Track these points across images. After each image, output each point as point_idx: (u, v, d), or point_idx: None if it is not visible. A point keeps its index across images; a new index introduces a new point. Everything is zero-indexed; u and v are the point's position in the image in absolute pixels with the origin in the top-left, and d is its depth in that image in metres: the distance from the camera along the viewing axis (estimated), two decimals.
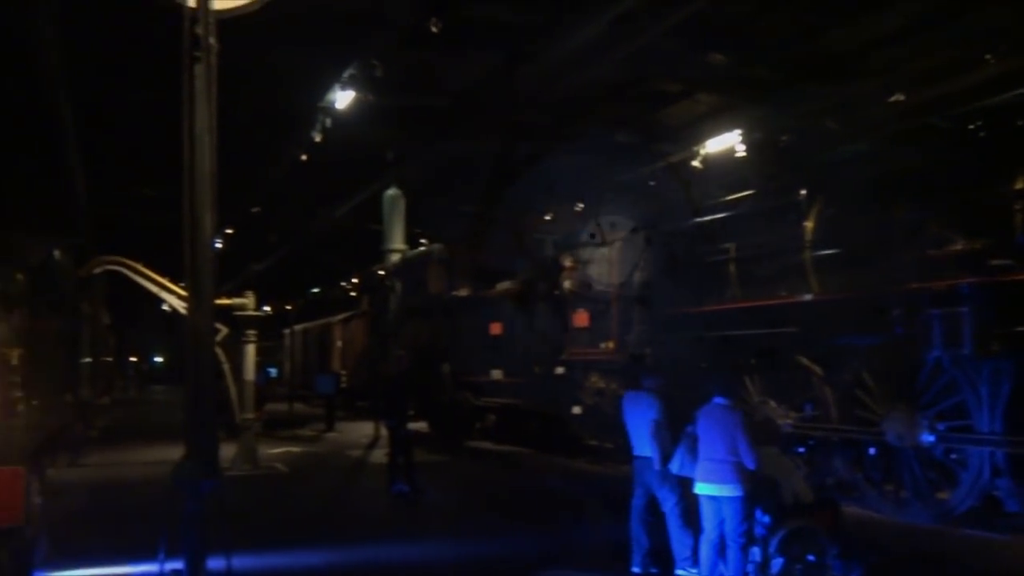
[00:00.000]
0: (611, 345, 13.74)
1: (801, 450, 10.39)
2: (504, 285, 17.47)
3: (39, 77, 11.80)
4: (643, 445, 7.21)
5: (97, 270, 13.18)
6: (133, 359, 58.20)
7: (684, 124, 15.70)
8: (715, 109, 15.08)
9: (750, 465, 6.31)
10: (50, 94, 12.34)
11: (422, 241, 24.04)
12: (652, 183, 15.29)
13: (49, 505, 6.67)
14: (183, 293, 12.00)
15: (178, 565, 5.35)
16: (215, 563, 5.49)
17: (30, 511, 4.01)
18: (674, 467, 6.84)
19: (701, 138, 13.96)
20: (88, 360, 14.63)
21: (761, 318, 10.72)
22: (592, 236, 14.50)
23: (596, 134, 16.47)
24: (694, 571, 6.86)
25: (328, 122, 17.10)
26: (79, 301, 12.90)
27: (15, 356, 6.48)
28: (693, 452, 6.63)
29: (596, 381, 14.03)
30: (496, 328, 17.52)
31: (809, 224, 10.32)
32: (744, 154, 12.77)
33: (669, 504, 7.08)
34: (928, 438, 8.83)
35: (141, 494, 11.04)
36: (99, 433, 17.40)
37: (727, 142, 13.18)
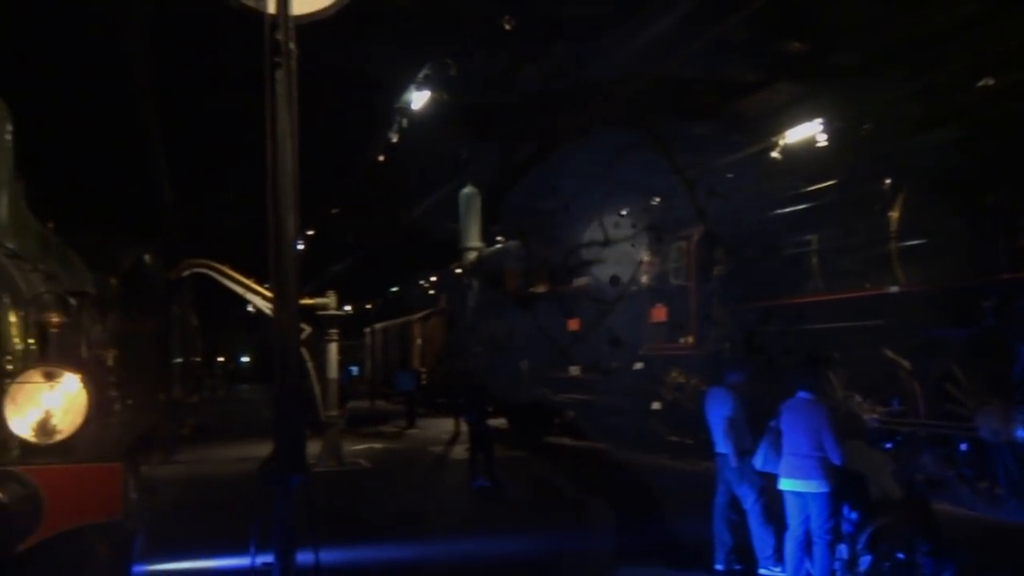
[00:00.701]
0: (690, 339, 13.59)
1: (888, 445, 10.09)
2: (581, 281, 17.43)
3: (130, 93, 12.27)
4: (721, 442, 7.13)
5: (185, 273, 13.60)
6: (220, 359, 59.79)
7: (762, 114, 15.43)
8: (794, 98, 14.78)
9: (836, 460, 6.17)
10: (139, 108, 12.82)
11: (498, 238, 24.14)
12: (730, 175, 15.06)
13: (144, 500, 6.91)
14: (267, 294, 12.35)
15: (268, 559, 5.50)
16: (303, 557, 5.62)
17: (128, 506, 4.16)
18: (757, 463, 6.73)
19: (780, 128, 13.68)
20: (179, 360, 15.10)
21: (845, 311, 10.46)
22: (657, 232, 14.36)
23: (671, 126, 16.30)
24: (777, 569, 6.75)
25: (404, 122, 17.34)
26: (169, 303, 13.32)
27: (110, 357, 6.73)
28: (777, 447, 6.52)
29: (676, 376, 13.88)
30: (574, 324, 17.49)
31: (894, 214, 10.02)
32: (825, 144, 12.47)
33: (749, 501, 6.98)
34: None
35: (231, 490, 11.36)
36: (190, 431, 17.93)
37: (807, 132, 12.88)
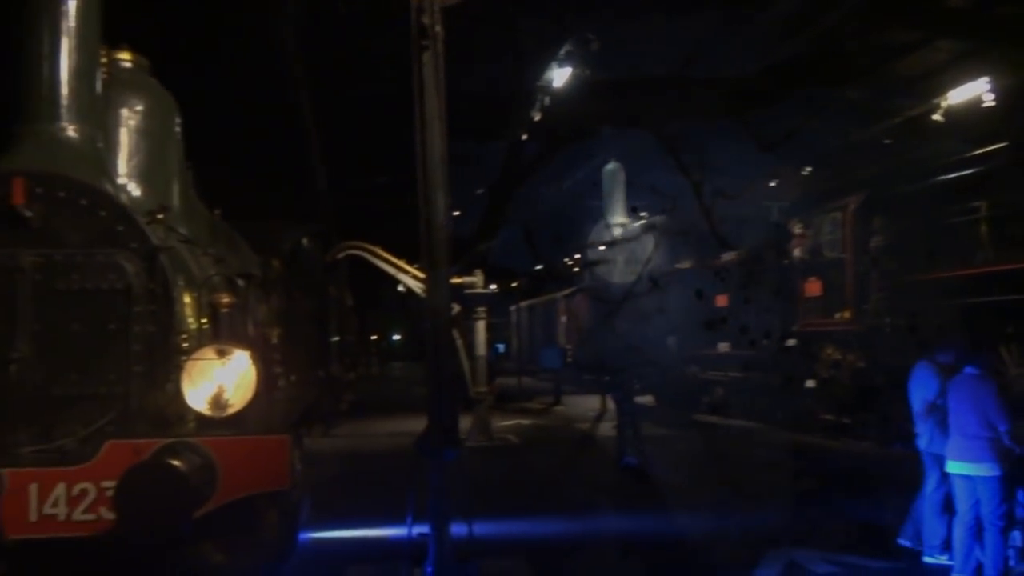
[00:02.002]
0: (847, 314, 13.05)
1: None
2: (730, 255, 17.03)
3: (285, 85, 12.80)
4: (920, 425, 6.68)
5: (340, 255, 14.11)
6: (374, 337, 61.83)
7: (921, 75, 14.57)
8: (956, 57, 13.87)
9: (1008, 441, 5.78)
10: (295, 99, 13.36)
11: (642, 214, 23.88)
12: (887, 140, 14.32)
13: (308, 472, 7.24)
14: (418, 274, 12.66)
15: (424, 529, 5.67)
16: (457, 528, 5.77)
17: (294, 477, 4.38)
18: (922, 443, 6.39)
19: (942, 89, 12.89)
20: (336, 339, 15.73)
21: (1019, 282, 9.77)
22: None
23: (824, 92, 15.62)
24: (944, 558, 6.40)
25: (547, 100, 17.34)
26: (326, 284, 13.87)
27: (274, 335, 7.07)
28: (943, 427, 6.17)
29: (831, 353, 13.37)
30: (722, 300, 17.13)
31: None
32: (992, 103, 11.66)
33: (928, 486, 6.61)
34: None
35: (387, 462, 11.76)
36: (347, 406, 18.66)
37: (972, 92, 12.08)
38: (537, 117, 17.62)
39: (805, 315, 14.14)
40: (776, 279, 15.05)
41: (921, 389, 6.64)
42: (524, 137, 19.24)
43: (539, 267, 41.76)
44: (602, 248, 23.64)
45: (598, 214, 23.74)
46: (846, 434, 12.97)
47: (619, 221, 23.15)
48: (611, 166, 22.87)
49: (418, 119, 5.44)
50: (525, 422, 18.28)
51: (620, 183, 23.13)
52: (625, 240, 22.42)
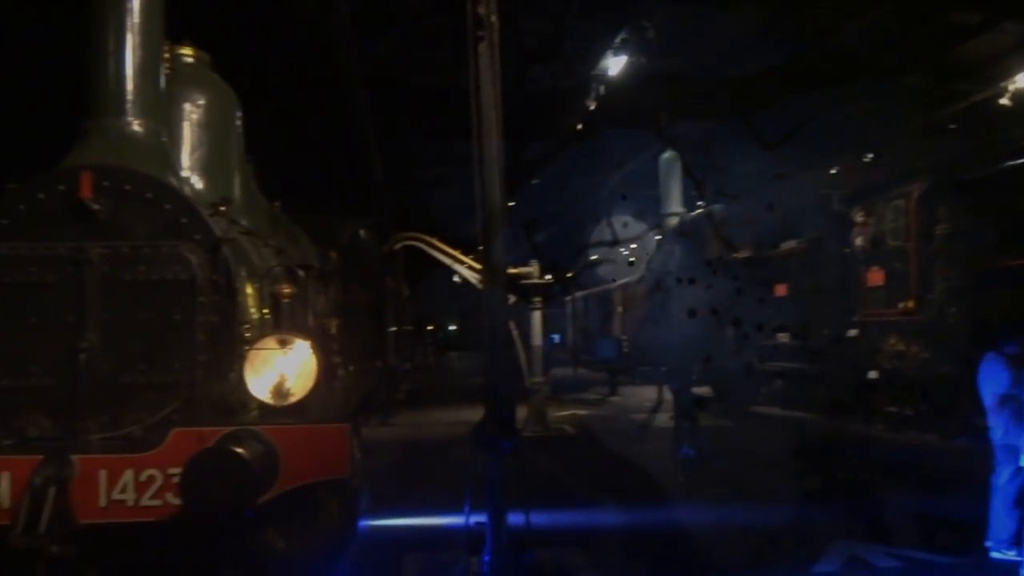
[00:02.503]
0: (910, 304, 12.73)
1: None
2: (789, 244, 16.75)
3: (342, 80, 12.90)
4: (992, 420, 6.49)
5: (397, 246, 14.22)
6: (430, 328, 62.22)
7: (986, 59, 14.13)
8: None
9: None
10: (351, 94, 13.46)
11: (699, 203, 23.60)
12: (952, 126, 13.93)
13: (366, 460, 7.33)
14: (474, 264, 12.70)
15: (481, 518, 5.70)
16: (514, 518, 5.78)
17: (354, 465, 4.43)
18: (996, 435, 6.21)
19: (1009, 73, 12.48)
20: (393, 329, 15.87)
21: None
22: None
23: (884, 77, 15.25)
24: (1012, 553, 6.23)
25: (602, 89, 17.22)
26: (383, 275, 13.99)
27: (333, 326, 7.15)
28: (1019, 418, 5.99)
29: (894, 343, 13.08)
30: (781, 289, 16.86)
31: None
32: None
33: (1001, 478, 6.43)
34: None
35: (444, 452, 11.85)
36: (404, 396, 18.83)
37: None
38: (592, 106, 17.52)
39: (867, 305, 13.84)
40: (837, 268, 14.76)
41: (991, 383, 6.45)
42: (579, 127, 19.14)
43: (594, 257, 41.59)
44: (658, 238, 23.45)
45: (656, 203, 23.53)
46: (909, 426, 12.69)
47: (675, 210, 22.91)
48: (667, 155, 22.63)
49: (474, 110, 5.45)
50: (581, 412, 18.25)
51: (676, 172, 22.89)
52: (682, 229, 22.20)
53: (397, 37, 14.42)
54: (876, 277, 13.62)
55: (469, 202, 5.48)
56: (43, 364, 4.45)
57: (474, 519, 5.70)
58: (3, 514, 3.99)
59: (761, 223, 18.23)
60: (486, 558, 5.74)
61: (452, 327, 73.70)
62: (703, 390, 18.09)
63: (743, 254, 18.69)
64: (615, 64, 16.01)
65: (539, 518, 6.17)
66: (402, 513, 7.91)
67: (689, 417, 11.75)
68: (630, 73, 15.62)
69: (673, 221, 22.72)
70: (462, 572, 6.16)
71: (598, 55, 15.99)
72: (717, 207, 20.57)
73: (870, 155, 15.78)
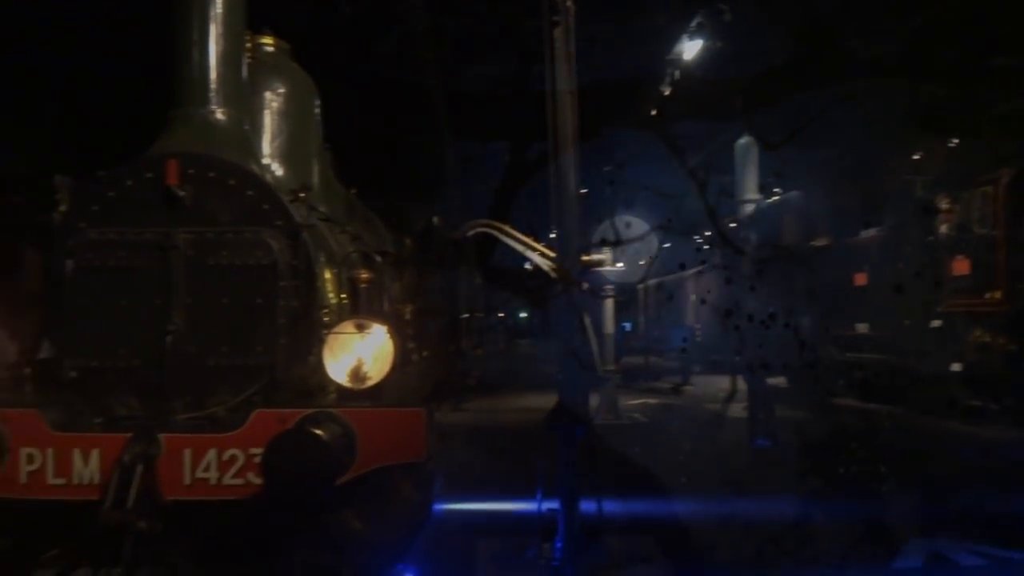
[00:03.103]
0: (997, 295, 12.33)
1: None
2: (869, 232, 16.34)
3: (419, 71, 12.99)
4: None
5: (469, 233, 14.27)
6: (500, 315, 62.37)
7: None
8: None
9: None
10: (426, 83, 13.55)
11: (775, 190, 23.12)
12: None
13: (439, 445, 7.41)
14: (547, 251, 12.67)
15: (553, 505, 5.73)
16: (586, 505, 5.79)
17: (429, 449, 4.47)
18: None
19: None
20: (465, 315, 15.97)
21: None
22: None
23: (971, 58, 14.68)
24: None
25: (676, 74, 16.98)
26: (455, 262, 14.07)
27: (407, 312, 7.23)
28: None
29: (979, 335, 12.68)
30: (861, 278, 16.47)
31: None
32: None
33: None
34: None
35: (516, 438, 11.91)
36: (476, 382, 18.97)
37: None
38: (667, 92, 17.29)
39: (951, 295, 13.45)
40: (920, 257, 14.36)
41: None
42: (654, 112, 18.92)
43: (667, 245, 41.16)
44: (733, 225, 23.06)
45: (730, 189, 23.10)
46: (994, 421, 12.30)
47: (751, 197, 22.49)
48: (743, 140, 22.16)
49: (549, 95, 5.44)
50: (652, 401, 18.14)
51: (753, 158, 22.43)
52: (758, 217, 21.79)
53: (473, 17, 14.45)
54: (961, 266, 13.22)
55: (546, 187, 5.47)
56: (131, 346, 4.60)
57: (546, 505, 5.73)
58: (93, 489, 4.14)
59: (841, 211, 17.83)
60: (558, 544, 5.76)
61: (522, 314, 73.85)
62: (778, 380, 17.80)
63: (821, 242, 18.31)
64: (690, 48, 15.77)
65: (611, 506, 6.17)
66: (475, 498, 7.98)
67: (764, 407, 11.57)
68: (706, 57, 15.37)
69: (749, 208, 22.31)
70: (534, 558, 6.20)
71: (673, 39, 15.77)
72: (794, 194, 20.15)
73: (956, 140, 15.25)
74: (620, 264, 16.76)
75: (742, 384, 15.01)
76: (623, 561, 6.56)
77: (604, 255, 14.34)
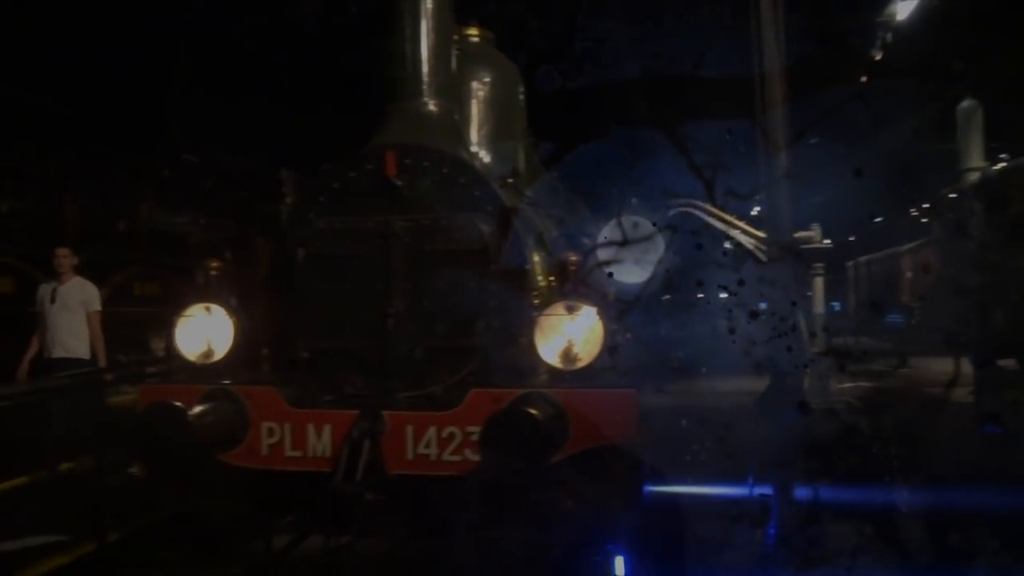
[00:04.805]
0: None
1: None
2: None
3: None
4: None
5: (672, 212, 14.12)
6: (700, 295, 61.21)
7: None
8: None
9: None
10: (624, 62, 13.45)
11: (1001, 156, 21.28)
12: None
13: (646, 427, 7.39)
14: (752, 230, 12.33)
15: (766, 490, 5.59)
16: (800, 492, 5.61)
17: (638, 430, 4.48)
18: None
19: None
20: (667, 296, 15.81)
21: None
22: None
23: None
24: None
25: (888, 37, 16.00)
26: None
27: (612, 293, 7.23)
28: None
29: None
30: None
31: None
32: None
33: None
34: None
35: (724, 421, 11.66)
36: (678, 364, 18.72)
37: None
38: (878, 56, 16.34)
39: None
40: None
41: None
42: (864, 79, 17.92)
43: (879, 219, 38.89)
44: (954, 196, 21.46)
45: (950, 158, 21.50)
46: None
47: (976, 165, 20.83)
48: (966, 104, 20.56)
49: (756, 67, 5.29)
50: (866, 384, 17.23)
51: (977, 123, 20.75)
52: (983, 186, 20.16)
53: None
54: None
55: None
56: (357, 328, 4.91)
57: (758, 491, 5.60)
58: (325, 462, 4.46)
59: None
60: (771, 530, 5.63)
61: (723, 295, 72.14)
62: (1007, 362, 16.44)
63: None
64: (904, 8, 14.81)
65: (826, 492, 5.95)
66: (683, 481, 7.89)
67: (991, 392, 10.74)
68: (924, 17, 14.38)
69: (972, 177, 20.66)
70: (745, 544, 6.08)
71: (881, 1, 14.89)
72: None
73: None
74: (827, 241, 16.00)
75: (967, 367, 13.98)
76: (838, 550, 6.30)
77: (813, 232, 13.77)
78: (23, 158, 10.75)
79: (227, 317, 4.89)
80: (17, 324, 9.24)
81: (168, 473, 4.70)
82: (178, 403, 4.30)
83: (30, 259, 10.20)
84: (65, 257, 8.75)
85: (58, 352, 8.61)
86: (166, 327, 5.42)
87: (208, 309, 4.91)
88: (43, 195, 10.95)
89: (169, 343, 5.11)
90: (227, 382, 4.67)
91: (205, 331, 4.91)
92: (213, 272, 5.02)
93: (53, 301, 8.66)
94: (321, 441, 4.49)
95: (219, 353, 4.91)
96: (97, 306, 8.90)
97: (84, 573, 6.03)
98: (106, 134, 12.10)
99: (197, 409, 4.38)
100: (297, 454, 4.52)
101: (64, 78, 12.92)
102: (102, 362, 8.84)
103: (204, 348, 4.92)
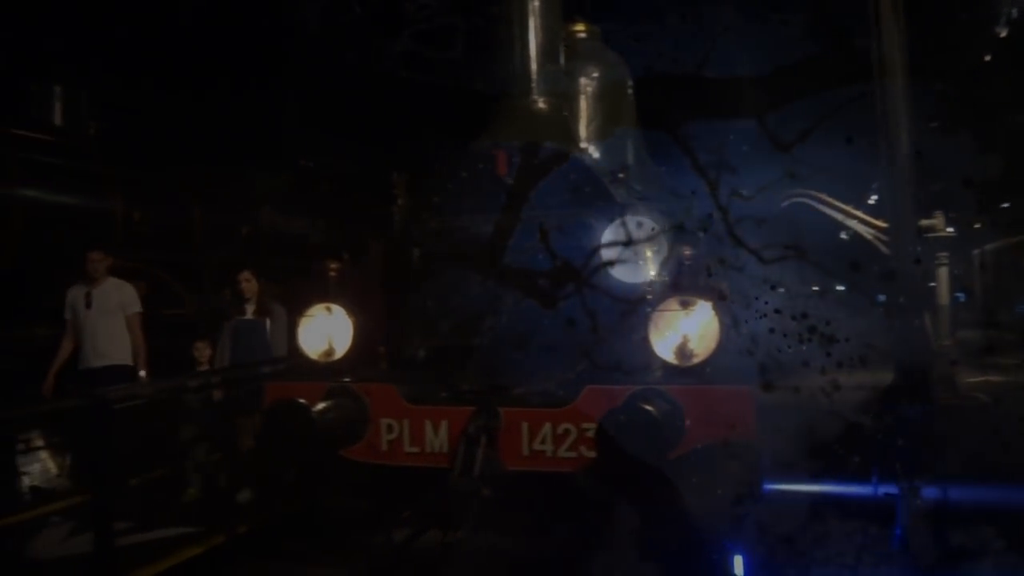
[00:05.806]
0: None
1: None
2: None
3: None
4: None
5: (786, 203, 13.77)
6: (815, 287, 59.54)
7: None
8: None
9: None
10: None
11: None
12: None
13: (762, 423, 7.24)
14: (873, 221, 11.87)
15: (891, 489, 5.39)
16: (926, 491, 5.39)
17: (756, 427, 4.40)
18: None
19: None
20: (781, 289, 15.45)
21: None
22: None
23: None
24: None
25: (1014, 12, 15.19)
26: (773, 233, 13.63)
27: (725, 288, 7.11)
28: None
29: None
30: None
31: None
32: None
33: None
34: None
35: (842, 418, 11.30)
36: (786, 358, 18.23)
37: None
38: (1003, 33, 15.51)
39: None
40: None
41: None
42: (987, 58, 17.05)
43: (1006, 205, 37.02)
44: None
45: None
46: None
47: None
48: None
49: (875, 52, 5.11)
50: (995, 379, 16.40)
51: None
52: None
53: None
54: None
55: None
56: (471, 326, 4.96)
57: (883, 490, 5.42)
58: (443, 457, 4.53)
59: None
60: (897, 531, 5.44)
61: (839, 287, 69.94)
62: None
63: None
64: None
65: (954, 492, 5.71)
66: (803, 480, 7.68)
67: None
68: None
69: None
70: (869, 544, 5.89)
71: None
72: None
73: None
74: (951, 229, 15.29)
75: None
76: (968, 552, 6.03)
77: (936, 219, 13.17)
78: (156, 168, 11.24)
79: (347, 317, 5.03)
80: (146, 324, 9.52)
81: (293, 468, 4.87)
82: (302, 400, 4.44)
83: (161, 263, 10.67)
84: (99, 261, 7.87)
85: (97, 361, 7.82)
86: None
87: (329, 309, 5.06)
88: (172, 203, 11.41)
89: (292, 342, 5.29)
90: (348, 380, 4.80)
91: (326, 330, 5.06)
92: (332, 273, 5.17)
93: (88, 306, 7.81)
94: (438, 437, 4.56)
95: (339, 352, 5.05)
96: (137, 308, 8.12)
97: (216, 563, 6.31)
98: (228, 143, 12.58)
99: (320, 406, 4.51)
100: (415, 450, 4.61)
101: (180, 83, 13.49)
102: (144, 367, 8.11)
103: (325, 347, 5.07)
